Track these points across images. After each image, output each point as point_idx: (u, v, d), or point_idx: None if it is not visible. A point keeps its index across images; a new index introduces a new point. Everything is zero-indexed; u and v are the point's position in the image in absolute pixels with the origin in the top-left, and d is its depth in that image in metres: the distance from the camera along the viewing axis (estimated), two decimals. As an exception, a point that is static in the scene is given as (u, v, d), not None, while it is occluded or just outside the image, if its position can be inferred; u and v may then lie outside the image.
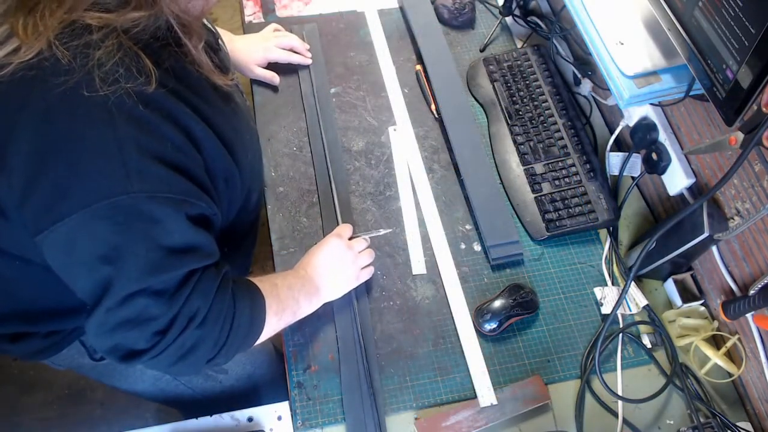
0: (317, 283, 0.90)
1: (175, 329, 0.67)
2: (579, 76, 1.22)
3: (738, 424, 0.91)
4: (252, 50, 1.17)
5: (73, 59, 0.59)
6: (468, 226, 1.08)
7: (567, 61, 1.24)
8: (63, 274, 0.67)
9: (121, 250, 0.62)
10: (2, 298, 0.81)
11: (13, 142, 0.61)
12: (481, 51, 1.31)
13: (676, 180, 1.00)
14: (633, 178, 1.10)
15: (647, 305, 1.00)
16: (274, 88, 1.21)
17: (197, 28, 0.69)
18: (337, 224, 1.05)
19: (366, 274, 0.96)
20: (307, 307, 0.88)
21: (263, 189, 1.08)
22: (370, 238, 1.00)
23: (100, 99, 0.59)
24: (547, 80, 1.22)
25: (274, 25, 1.24)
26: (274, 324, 0.81)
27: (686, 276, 1.02)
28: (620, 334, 0.98)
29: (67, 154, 0.60)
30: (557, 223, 1.07)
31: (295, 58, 1.21)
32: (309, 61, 1.22)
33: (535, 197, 1.10)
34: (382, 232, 1.02)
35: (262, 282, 0.81)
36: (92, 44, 0.60)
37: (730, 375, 0.95)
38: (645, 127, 1.04)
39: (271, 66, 1.20)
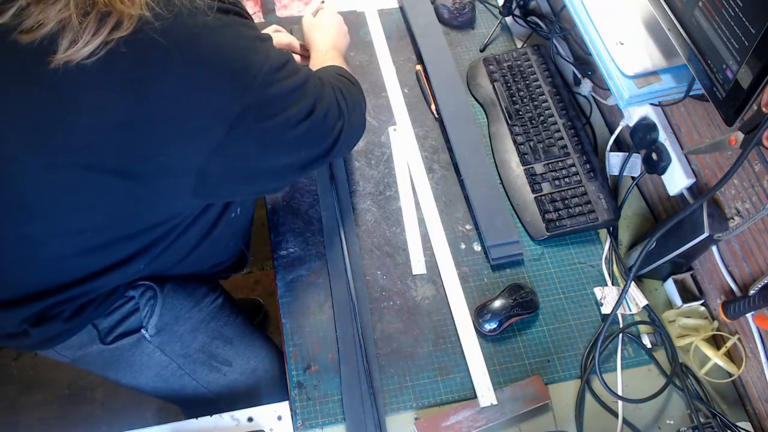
0: (338, 46, 1.10)
1: (341, 103, 0.87)
2: (579, 76, 1.22)
3: (738, 424, 0.91)
4: None
5: (165, 7, 0.63)
6: (468, 226, 1.08)
7: (567, 61, 1.24)
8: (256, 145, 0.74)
9: (288, 94, 0.74)
10: (50, 272, 0.82)
11: (155, 80, 0.64)
12: (481, 51, 1.31)
13: (676, 180, 1.00)
14: (633, 178, 1.10)
15: (647, 305, 1.00)
16: (274, 88, 1.21)
17: None
18: (338, 224, 1.05)
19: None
20: (345, 62, 1.08)
21: None
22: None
23: (206, 9, 0.66)
24: (547, 80, 1.22)
25: (274, 26, 1.24)
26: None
27: (686, 276, 1.02)
28: (620, 334, 0.98)
29: (208, 62, 0.66)
30: (557, 223, 1.07)
31: (294, 58, 1.21)
32: (308, 61, 1.22)
33: (535, 197, 1.10)
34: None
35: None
36: None
37: (730, 375, 0.95)
38: (645, 127, 1.04)
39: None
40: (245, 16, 0.73)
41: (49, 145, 0.67)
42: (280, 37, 1.21)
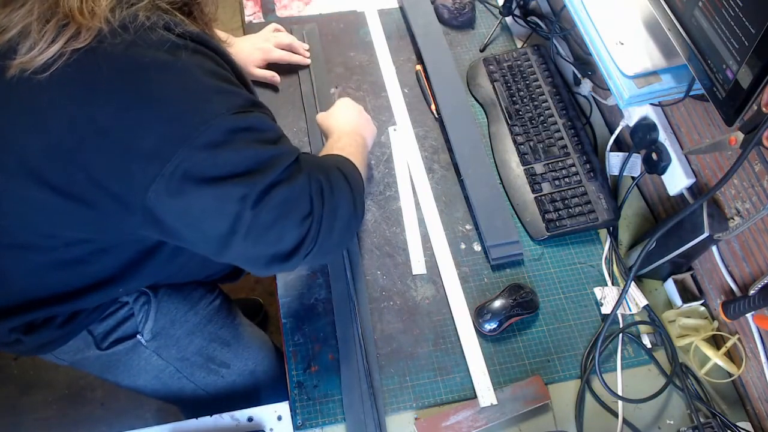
0: (359, 132, 0.98)
1: (316, 204, 0.71)
2: (579, 76, 1.22)
3: (738, 424, 0.91)
4: (251, 51, 1.18)
5: (125, 26, 0.63)
6: (468, 226, 1.08)
7: (567, 61, 1.24)
8: (183, 224, 0.67)
9: (236, 163, 0.65)
10: (32, 284, 0.82)
11: (99, 107, 0.63)
12: (481, 51, 1.31)
13: (676, 180, 1.00)
14: (633, 178, 1.10)
15: (647, 305, 1.00)
16: (274, 88, 1.21)
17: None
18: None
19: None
20: (365, 154, 0.96)
21: None
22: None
23: (159, 44, 0.63)
24: (547, 80, 1.22)
25: (274, 25, 1.24)
26: (363, 173, 0.89)
27: (686, 276, 1.02)
28: (620, 334, 0.98)
29: (150, 99, 0.63)
30: (557, 223, 1.07)
31: (294, 59, 1.21)
32: (308, 62, 1.23)
33: (535, 197, 1.10)
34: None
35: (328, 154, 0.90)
36: (138, 10, 0.63)
37: (730, 375, 0.95)
38: (645, 127, 1.04)
39: (271, 66, 1.20)
40: (213, 59, 0.68)
41: (5, 161, 0.67)
42: (280, 37, 1.21)
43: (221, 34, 1.09)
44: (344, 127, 0.97)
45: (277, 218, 0.68)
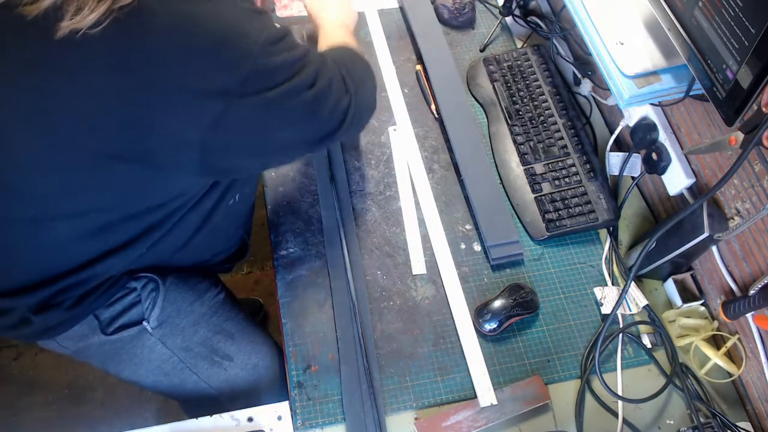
0: (346, 24, 1.07)
1: (348, 80, 0.84)
2: (579, 76, 1.22)
3: (738, 424, 0.91)
4: None
5: None
6: (468, 226, 1.08)
7: (567, 61, 1.24)
8: (254, 138, 0.75)
9: (288, 66, 0.73)
10: (54, 256, 0.83)
11: (153, 48, 0.64)
12: (481, 51, 1.31)
13: (676, 180, 1.00)
14: (633, 178, 1.10)
15: (647, 305, 1.00)
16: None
17: None
18: (338, 224, 1.05)
19: None
20: (353, 37, 1.06)
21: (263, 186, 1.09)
22: None
23: None
24: (547, 80, 1.22)
25: (274, 25, 1.24)
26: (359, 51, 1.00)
27: (686, 276, 1.02)
28: (620, 334, 0.98)
29: (202, 34, 0.66)
30: (557, 223, 1.07)
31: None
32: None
33: (535, 197, 1.10)
34: None
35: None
36: None
37: (730, 375, 0.95)
38: (645, 127, 1.04)
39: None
40: None
41: (51, 128, 0.67)
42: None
43: None
44: (335, 20, 1.07)
45: (328, 99, 0.79)
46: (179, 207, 0.84)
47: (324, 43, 1.02)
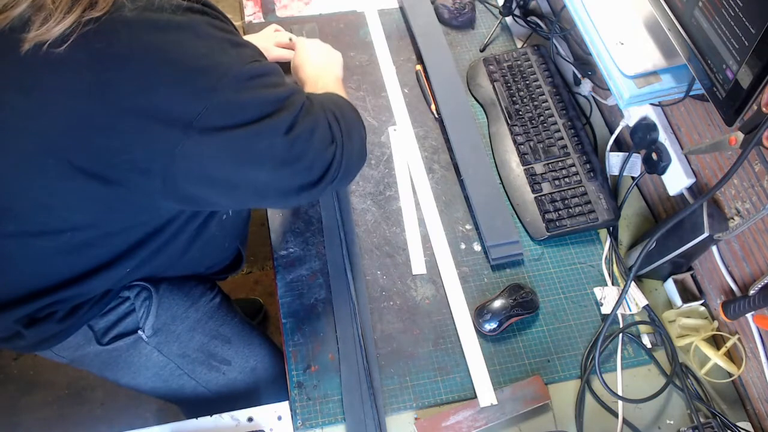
0: (332, 71, 1.05)
1: (335, 130, 0.80)
2: (579, 76, 1.22)
3: (738, 424, 0.91)
4: None
5: None
6: (468, 226, 1.08)
7: (567, 61, 1.24)
8: (217, 176, 0.70)
9: (262, 105, 0.69)
10: (37, 272, 0.82)
11: (117, 72, 0.63)
12: (481, 51, 1.31)
13: (676, 180, 1.00)
14: (633, 178, 1.10)
15: (647, 305, 1.00)
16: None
17: None
18: (338, 224, 1.05)
19: None
20: (341, 85, 1.04)
21: None
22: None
23: (171, 8, 0.65)
24: (547, 80, 1.22)
25: (274, 26, 1.24)
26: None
27: (686, 276, 1.02)
28: (620, 334, 0.98)
29: (169, 60, 0.64)
30: (557, 223, 1.07)
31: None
32: None
33: (535, 197, 1.10)
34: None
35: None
36: None
37: (730, 375, 0.95)
38: (645, 127, 1.04)
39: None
40: (219, 18, 0.70)
41: (19, 146, 0.67)
42: (280, 37, 1.21)
43: None
44: (315, 73, 1.04)
45: (307, 149, 0.74)
46: (166, 224, 0.82)
47: (312, 91, 0.98)
